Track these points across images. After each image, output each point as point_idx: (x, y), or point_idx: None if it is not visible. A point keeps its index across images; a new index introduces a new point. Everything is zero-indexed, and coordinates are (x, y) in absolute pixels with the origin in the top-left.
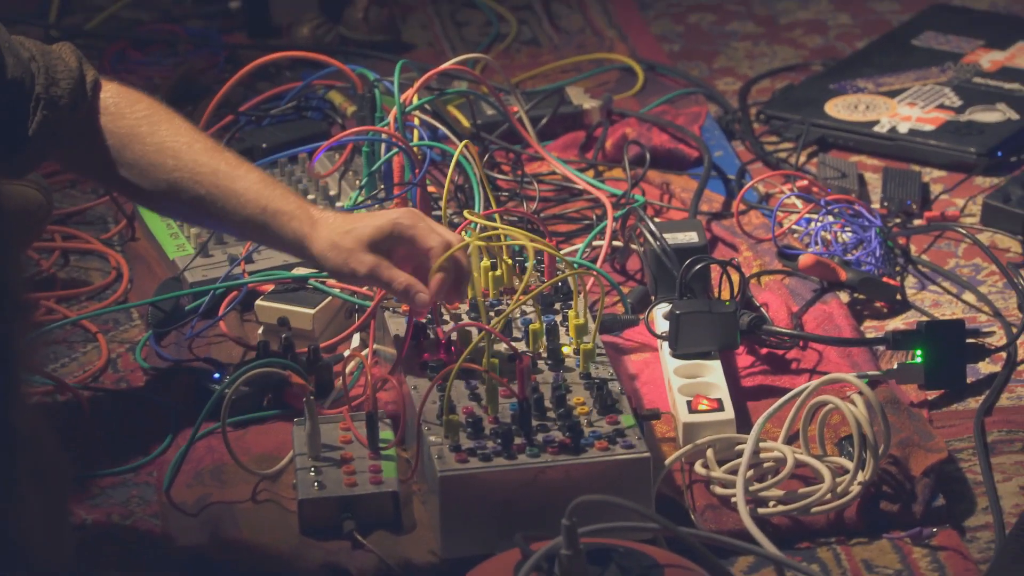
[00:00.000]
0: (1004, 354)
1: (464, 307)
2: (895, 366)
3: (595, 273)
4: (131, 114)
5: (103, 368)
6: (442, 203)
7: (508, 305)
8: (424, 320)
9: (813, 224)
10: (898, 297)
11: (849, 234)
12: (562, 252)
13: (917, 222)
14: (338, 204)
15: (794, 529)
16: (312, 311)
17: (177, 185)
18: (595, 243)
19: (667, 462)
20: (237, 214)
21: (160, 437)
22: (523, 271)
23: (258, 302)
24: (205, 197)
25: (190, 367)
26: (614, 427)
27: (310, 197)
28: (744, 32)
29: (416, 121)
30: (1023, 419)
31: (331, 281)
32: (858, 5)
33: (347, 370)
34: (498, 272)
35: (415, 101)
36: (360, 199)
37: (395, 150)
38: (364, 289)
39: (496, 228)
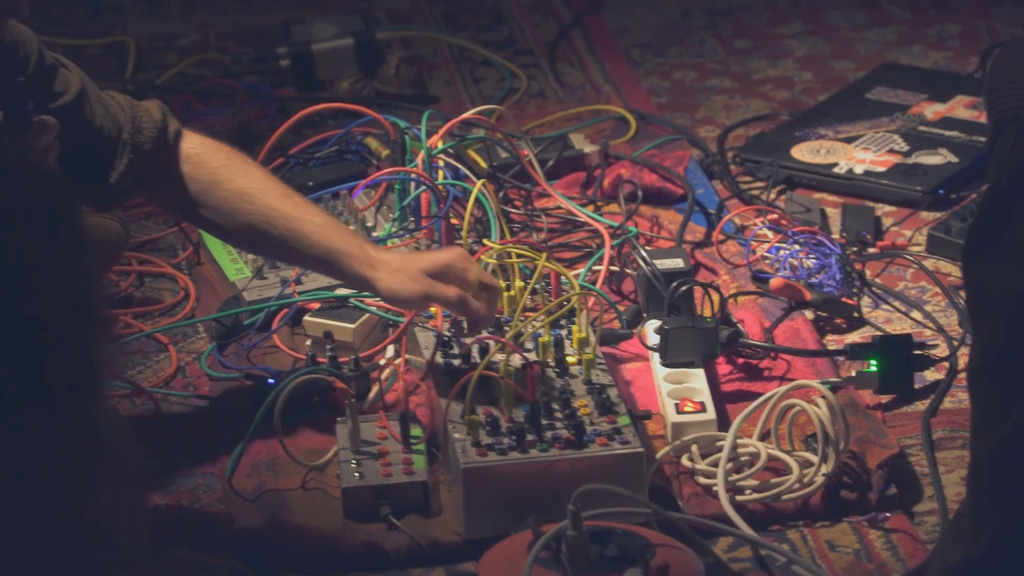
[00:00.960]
0: (947, 364)
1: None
2: (853, 374)
3: (595, 294)
4: (212, 162)
5: (173, 375)
6: (463, 234)
7: (519, 324)
8: (448, 336)
9: (782, 252)
10: (855, 315)
11: (813, 261)
12: (568, 275)
13: (871, 250)
14: (374, 234)
15: (767, 514)
16: (353, 326)
17: (254, 227)
18: (595, 268)
19: (658, 456)
20: (307, 253)
21: (222, 434)
22: (534, 292)
23: (306, 318)
24: (278, 238)
25: (248, 374)
26: (612, 426)
27: (350, 227)
28: (721, 87)
29: (441, 163)
30: (963, 420)
31: (368, 299)
32: (820, 64)
33: (383, 376)
34: (512, 292)
35: (439, 145)
36: (393, 230)
37: (423, 188)
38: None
39: (512, 254)
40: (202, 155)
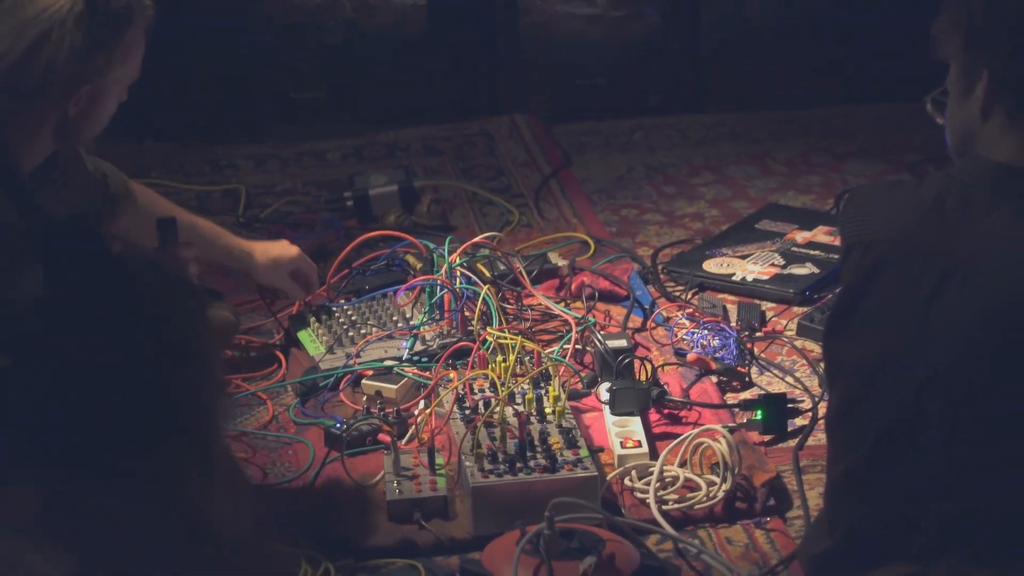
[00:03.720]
0: (810, 414)
1: (487, 385)
2: (744, 421)
3: (564, 364)
4: (146, 196)
5: (269, 420)
6: (474, 322)
7: (511, 385)
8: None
9: (695, 335)
10: (746, 379)
11: (717, 341)
12: (545, 351)
13: (758, 334)
14: (411, 322)
15: (683, 519)
16: (396, 387)
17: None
18: (565, 346)
19: (608, 478)
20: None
21: (304, 462)
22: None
23: (364, 381)
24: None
25: (322, 420)
26: (576, 457)
27: (394, 319)
28: (654, 220)
29: (458, 273)
30: (821, 453)
31: (407, 367)
32: (723, 204)
33: (418, 421)
34: (506, 363)
35: (457, 261)
36: (424, 319)
37: (445, 290)
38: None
39: (507, 338)
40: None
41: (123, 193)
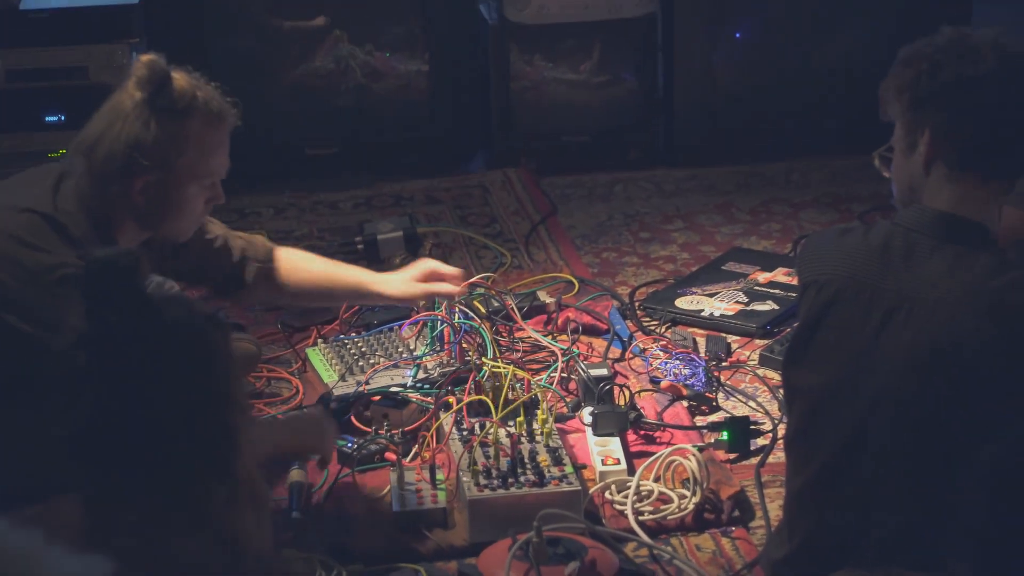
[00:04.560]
0: (771, 434)
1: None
2: (712, 441)
3: (551, 390)
4: (292, 258)
5: None
6: (471, 354)
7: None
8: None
9: (668, 365)
10: (714, 403)
11: (687, 370)
12: (534, 379)
13: (724, 364)
14: (415, 353)
15: (658, 528)
16: (402, 411)
17: (319, 289)
18: (552, 374)
19: (591, 491)
20: (344, 291)
21: (319, 478)
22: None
23: (372, 405)
24: (331, 290)
25: (336, 440)
26: (562, 473)
27: (399, 350)
28: (631, 262)
29: (456, 309)
30: (781, 470)
31: (411, 393)
32: (693, 248)
33: (421, 441)
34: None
35: (455, 298)
36: (426, 350)
37: (444, 324)
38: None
39: (500, 367)
40: (286, 260)
41: (261, 261)
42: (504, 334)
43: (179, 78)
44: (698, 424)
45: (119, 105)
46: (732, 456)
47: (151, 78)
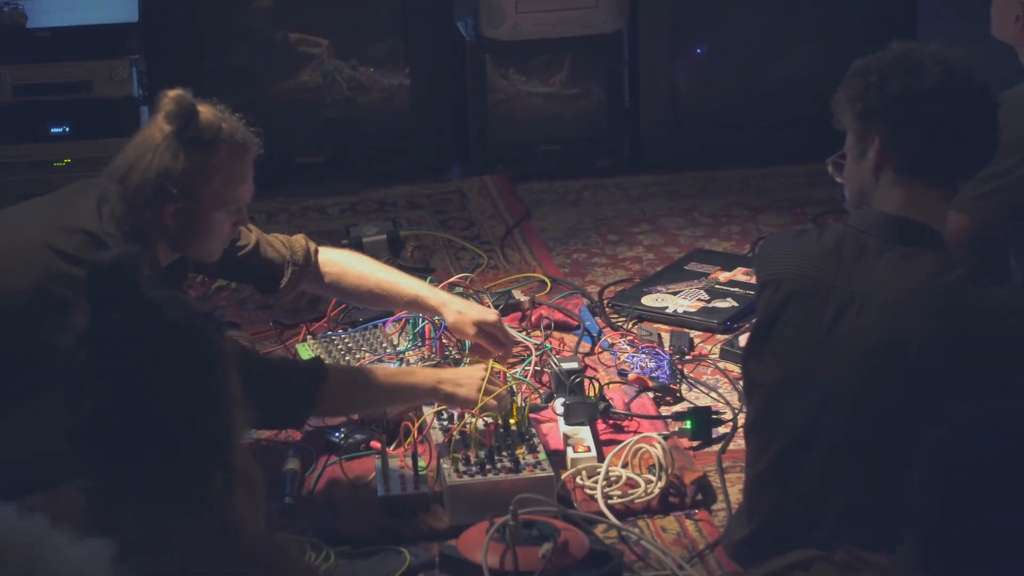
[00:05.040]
0: (731, 423)
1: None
2: (676, 429)
3: (526, 383)
4: (340, 262)
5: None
6: (451, 349)
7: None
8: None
9: (635, 358)
10: (678, 395)
11: (653, 363)
12: (510, 371)
13: (688, 358)
14: (397, 348)
15: (625, 511)
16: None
17: (372, 293)
18: (526, 368)
19: (563, 477)
20: (401, 300)
21: (310, 465)
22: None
23: None
24: (385, 297)
25: (324, 430)
26: (536, 460)
27: (384, 346)
28: (600, 263)
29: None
30: (741, 456)
31: None
32: (657, 249)
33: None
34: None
35: None
36: (408, 345)
37: (426, 321)
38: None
39: (479, 361)
40: (332, 260)
41: (298, 264)
42: None
43: (205, 111)
44: (663, 414)
45: (149, 137)
46: (695, 444)
47: (179, 112)
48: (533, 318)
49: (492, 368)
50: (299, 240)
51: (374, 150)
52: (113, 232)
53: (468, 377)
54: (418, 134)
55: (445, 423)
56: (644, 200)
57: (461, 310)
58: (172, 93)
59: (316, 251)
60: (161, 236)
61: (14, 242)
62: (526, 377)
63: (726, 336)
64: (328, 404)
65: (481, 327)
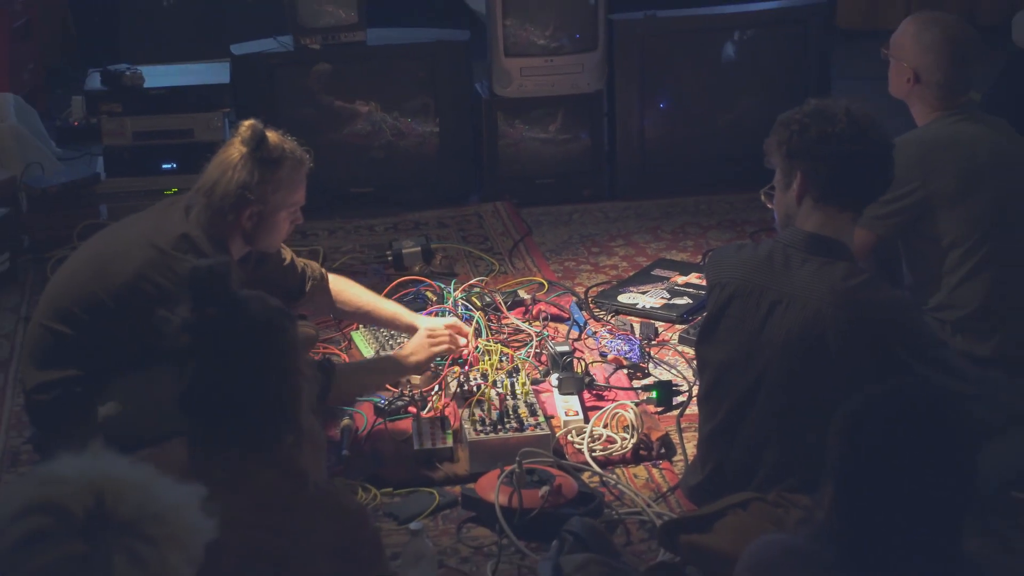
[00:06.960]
0: (687, 394)
1: (479, 375)
2: (645, 398)
3: (528, 362)
4: (338, 285)
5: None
6: (470, 336)
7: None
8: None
9: (613, 343)
10: (646, 371)
11: (627, 347)
12: (516, 353)
13: (654, 343)
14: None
15: (605, 462)
16: (419, 378)
17: (363, 312)
18: (529, 350)
19: (557, 435)
20: (384, 323)
21: (362, 425)
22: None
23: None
24: (374, 317)
25: (372, 397)
26: (536, 422)
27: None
28: (586, 269)
29: (459, 303)
30: (695, 420)
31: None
32: (630, 259)
33: (434, 399)
34: (492, 361)
35: (459, 295)
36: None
37: (451, 314)
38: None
39: (491, 344)
40: (336, 283)
41: (316, 279)
42: (494, 321)
43: (272, 135)
44: (635, 386)
45: (229, 158)
46: (659, 409)
47: (253, 136)
48: (534, 311)
49: (501, 350)
50: (314, 263)
51: (411, 182)
52: (199, 233)
53: (418, 346)
54: (444, 170)
55: (466, 388)
56: (620, 221)
57: (415, 333)
58: (247, 122)
59: (325, 274)
60: (237, 233)
61: (127, 241)
62: (528, 357)
63: (683, 326)
64: (335, 393)
65: (431, 333)
